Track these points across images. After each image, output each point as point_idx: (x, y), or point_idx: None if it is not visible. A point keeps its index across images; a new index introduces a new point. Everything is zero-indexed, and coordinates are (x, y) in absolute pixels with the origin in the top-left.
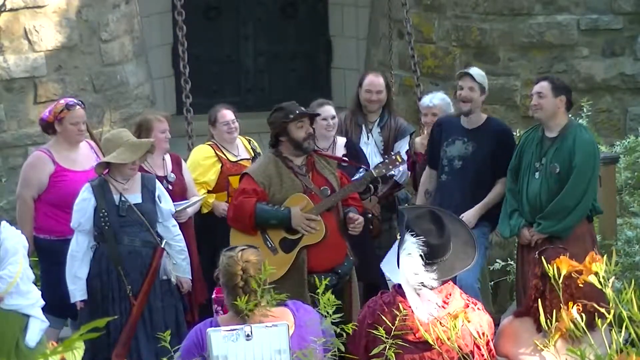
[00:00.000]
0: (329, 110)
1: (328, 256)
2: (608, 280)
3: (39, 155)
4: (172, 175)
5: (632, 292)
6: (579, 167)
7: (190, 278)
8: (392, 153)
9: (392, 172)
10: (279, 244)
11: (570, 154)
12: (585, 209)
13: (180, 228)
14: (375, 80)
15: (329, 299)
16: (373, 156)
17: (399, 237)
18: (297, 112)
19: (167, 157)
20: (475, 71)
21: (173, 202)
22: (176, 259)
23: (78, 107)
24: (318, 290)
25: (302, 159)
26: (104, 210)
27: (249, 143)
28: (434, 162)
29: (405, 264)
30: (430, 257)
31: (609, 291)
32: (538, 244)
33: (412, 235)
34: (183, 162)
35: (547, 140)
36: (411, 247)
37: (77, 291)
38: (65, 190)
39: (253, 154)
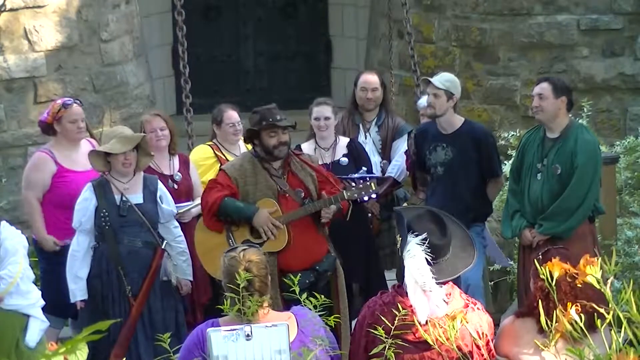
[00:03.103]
0: (322, 110)
1: (304, 255)
2: (606, 280)
3: (40, 156)
4: (179, 174)
5: (631, 293)
6: (580, 168)
7: (192, 280)
8: (368, 180)
9: (364, 199)
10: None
11: (572, 155)
12: (587, 210)
13: (182, 229)
14: (369, 78)
15: (307, 298)
16: (371, 155)
17: (399, 238)
18: (270, 120)
19: (175, 157)
20: (439, 78)
21: (178, 202)
22: (177, 260)
23: (75, 105)
24: (292, 289)
25: (280, 162)
26: (104, 210)
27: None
28: (423, 169)
29: (411, 265)
30: (434, 256)
31: (607, 291)
32: (540, 245)
33: (414, 235)
34: (191, 162)
35: (549, 141)
36: (415, 249)
37: (78, 290)
38: (66, 191)
39: None
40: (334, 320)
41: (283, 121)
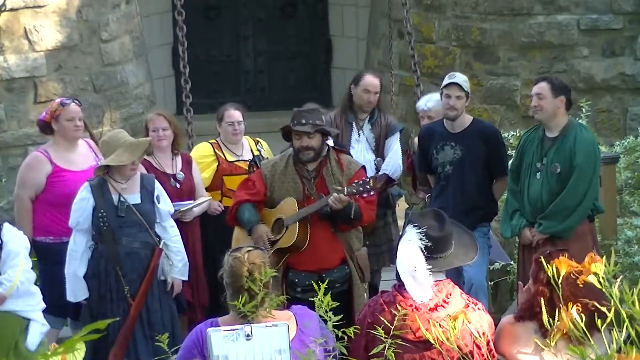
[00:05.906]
0: None
1: (310, 258)
2: (609, 280)
3: (36, 155)
4: (181, 174)
5: (636, 292)
6: (579, 167)
7: (187, 280)
8: (368, 177)
9: (363, 195)
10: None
11: (571, 154)
12: (586, 208)
13: (185, 228)
14: (374, 81)
15: (328, 302)
16: (365, 153)
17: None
18: (294, 122)
19: (178, 156)
20: (460, 79)
21: (180, 201)
22: (173, 260)
23: (73, 104)
24: (294, 287)
25: (315, 164)
26: (102, 211)
27: (256, 144)
28: (427, 169)
29: (403, 249)
30: (431, 251)
31: (615, 291)
32: (539, 244)
33: (414, 227)
34: (194, 162)
35: (548, 141)
36: (412, 235)
37: (79, 290)
38: (63, 190)
39: (255, 154)
40: (345, 329)
41: (305, 126)
